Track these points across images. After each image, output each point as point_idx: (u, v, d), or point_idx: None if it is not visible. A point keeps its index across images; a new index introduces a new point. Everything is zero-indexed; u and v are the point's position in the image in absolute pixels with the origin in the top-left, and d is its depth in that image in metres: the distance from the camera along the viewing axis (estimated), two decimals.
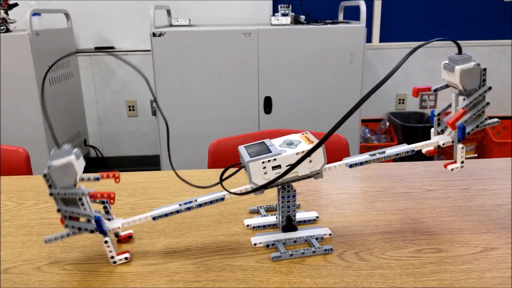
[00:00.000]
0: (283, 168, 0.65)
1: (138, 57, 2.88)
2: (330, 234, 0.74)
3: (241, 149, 0.69)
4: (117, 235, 0.73)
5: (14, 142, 2.29)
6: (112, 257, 0.67)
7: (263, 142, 0.70)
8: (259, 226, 0.77)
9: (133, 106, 2.99)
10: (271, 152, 0.66)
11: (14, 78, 2.25)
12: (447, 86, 0.73)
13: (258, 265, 0.66)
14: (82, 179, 0.66)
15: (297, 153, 0.65)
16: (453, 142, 0.73)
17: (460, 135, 0.71)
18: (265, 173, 0.65)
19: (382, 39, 2.97)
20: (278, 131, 1.36)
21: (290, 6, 2.41)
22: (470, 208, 0.84)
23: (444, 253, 0.68)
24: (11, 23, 2.35)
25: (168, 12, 2.66)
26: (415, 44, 2.97)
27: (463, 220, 0.79)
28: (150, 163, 3.09)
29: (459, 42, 0.68)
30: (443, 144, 0.73)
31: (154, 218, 0.68)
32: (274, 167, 0.65)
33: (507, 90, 3.11)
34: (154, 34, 2.20)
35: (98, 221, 0.64)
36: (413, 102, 3.11)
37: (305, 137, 0.70)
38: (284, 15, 2.37)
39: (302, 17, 2.45)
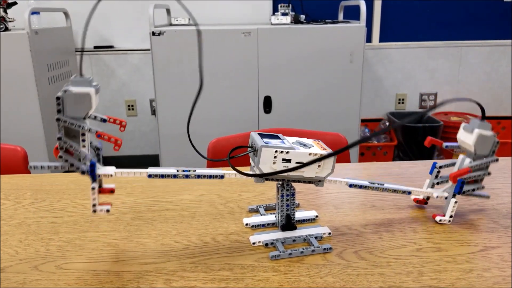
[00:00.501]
0: (292, 164, 0.65)
1: (137, 56, 2.88)
2: (330, 233, 0.73)
3: (254, 134, 0.69)
4: (99, 185, 0.68)
5: (12, 141, 2.29)
6: (94, 205, 0.63)
7: (277, 135, 0.70)
8: (258, 225, 0.77)
9: (132, 106, 2.99)
10: (285, 144, 0.65)
11: (13, 77, 2.25)
12: (458, 147, 0.78)
13: (257, 264, 0.66)
14: (89, 116, 0.62)
15: (310, 154, 0.65)
16: (446, 198, 0.77)
17: (457, 189, 0.75)
18: (274, 162, 0.65)
19: (382, 39, 2.97)
20: (279, 130, 1.36)
21: (290, 5, 2.41)
22: (470, 207, 0.84)
23: (444, 252, 0.68)
24: (10, 21, 2.34)
25: (168, 11, 2.66)
26: (415, 44, 2.97)
27: (463, 219, 0.79)
28: (149, 162, 3.08)
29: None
30: (437, 197, 0.78)
31: (149, 176, 0.66)
32: (284, 160, 0.65)
33: (506, 91, 3.11)
34: (153, 33, 2.19)
35: (92, 165, 0.61)
36: (413, 102, 3.11)
37: (318, 143, 0.71)
38: (284, 14, 2.36)
39: (302, 17, 2.45)
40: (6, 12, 2.33)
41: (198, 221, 0.80)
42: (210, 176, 0.68)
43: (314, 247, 0.68)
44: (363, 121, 3.04)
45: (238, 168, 1.04)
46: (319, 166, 0.67)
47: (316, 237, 0.72)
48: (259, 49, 2.25)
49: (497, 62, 3.03)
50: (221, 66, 2.27)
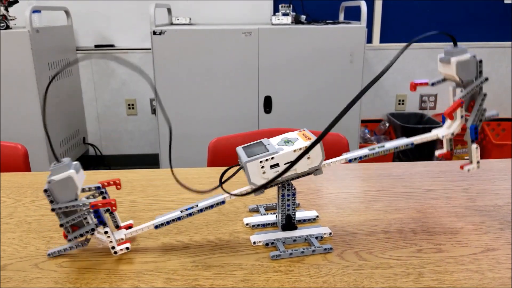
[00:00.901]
0: (282, 166, 0.65)
1: (138, 55, 2.88)
2: (330, 233, 0.73)
3: (239, 150, 0.69)
4: (117, 226, 0.72)
5: (12, 139, 2.29)
6: (113, 247, 0.67)
7: (261, 141, 0.69)
8: (258, 225, 0.76)
9: (132, 105, 2.99)
10: (268, 151, 0.65)
11: (14, 75, 2.24)
12: (444, 80, 0.74)
13: (257, 263, 0.66)
14: (83, 190, 0.67)
15: (294, 151, 0.65)
16: (452, 134, 0.73)
17: (473, 135, 0.71)
18: (264, 172, 0.65)
19: (382, 40, 2.97)
20: (278, 130, 1.36)
21: (291, 5, 2.41)
22: (470, 208, 0.84)
23: (445, 253, 0.68)
24: (11, 20, 2.34)
25: (169, 10, 2.66)
26: (415, 45, 2.97)
27: (463, 221, 0.79)
28: (149, 162, 3.08)
29: (458, 43, 0.69)
30: (442, 136, 0.73)
31: (156, 227, 0.68)
32: (272, 166, 0.65)
33: (506, 92, 3.11)
34: (154, 33, 2.19)
35: (96, 211, 0.64)
36: (413, 103, 3.11)
37: (303, 134, 0.69)
38: (284, 14, 2.36)
39: (303, 17, 2.45)
40: (7, 10, 2.33)
41: (198, 220, 0.80)
42: (212, 206, 0.69)
43: (315, 247, 0.68)
44: (363, 121, 3.04)
45: (239, 175, 1.04)
46: (308, 158, 0.66)
47: (316, 237, 0.72)
48: (260, 49, 2.25)
49: (497, 63, 3.04)
50: (221, 66, 2.27)
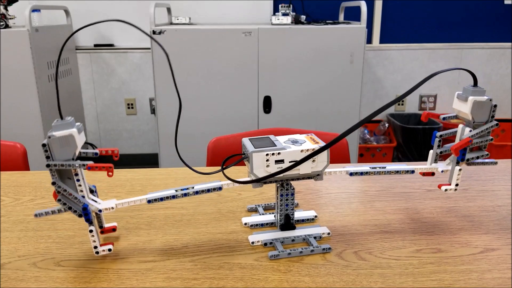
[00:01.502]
0: (286, 163, 0.65)
1: (137, 55, 2.88)
2: (329, 233, 0.73)
3: (245, 140, 0.69)
4: (101, 226, 0.72)
5: (11, 138, 2.28)
6: (95, 247, 0.65)
7: (268, 137, 0.70)
8: (257, 225, 0.76)
9: (132, 104, 2.98)
10: (276, 146, 0.65)
11: (13, 74, 2.24)
12: (456, 116, 0.76)
13: (256, 263, 0.65)
14: (80, 154, 0.64)
15: (301, 151, 0.65)
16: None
17: (460, 156, 0.73)
18: (268, 166, 0.65)
19: (382, 40, 2.97)
20: (278, 130, 1.36)
21: (291, 5, 2.41)
22: (470, 208, 0.84)
23: (444, 254, 0.68)
24: (10, 19, 2.34)
25: (168, 10, 2.66)
26: (415, 45, 2.97)
27: (463, 221, 0.79)
28: (148, 161, 3.08)
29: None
30: (442, 171, 0.75)
31: (149, 201, 0.67)
32: (277, 161, 0.65)
33: (506, 93, 3.11)
34: (154, 32, 2.19)
35: (85, 209, 0.62)
36: (413, 104, 3.11)
37: (310, 137, 0.70)
38: (284, 14, 2.36)
39: (303, 17, 2.44)
40: (6, 9, 2.33)
41: (197, 219, 0.80)
42: (208, 190, 0.68)
43: (313, 247, 0.68)
44: None
45: (238, 167, 1.04)
46: (313, 161, 0.66)
47: (315, 237, 0.71)
48: (260, 49, 2.25)
49: (497, 64, 3.04)
50: (221, 65, 2.27)
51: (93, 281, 0.61)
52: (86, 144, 2.99)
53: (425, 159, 2.82)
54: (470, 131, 0.72)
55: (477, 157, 0.74)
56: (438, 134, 0.76)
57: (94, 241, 0.65)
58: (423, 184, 0.96)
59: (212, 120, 2.35)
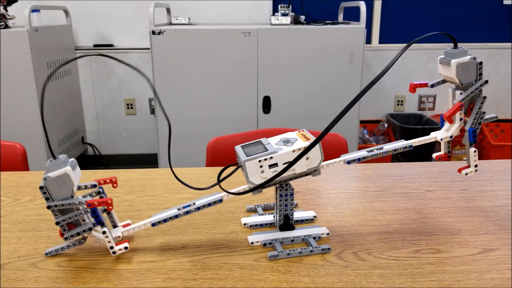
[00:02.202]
0: (280, 166, 0.65)
1: (137, 55, 2.88)
2: (328, 234, 0.73)
3: (238, 149, 0.69)
4: (114, 225, 0.72)
5: (11, 138, 2.28)
6: (112, 247, 0.66)
7: (260, 141, 0.69)
8: (256, 225, 0.76)
9: (131, 104, 2.98)
10: (267, 150, 0.65)
11: (13, 74, 2.24)
12: (444, 81, 0.74)
13: (255, 263, 0.65)
14: (79, 188, 0.66)
15: (293, 151, 0.65)
16: (451, 137, 0.73)
17: (471, 139, 0.71)
18: (262, 171, 0.65)
19: (381, 40, 2.97)
20: (277, 130, 1.36)
21: (290, 6, 2.41)
22: (469, 209, 0.84)
23: (443, 254, 0.68)
24: (10, 19, 2.34)
25: (168, 10, 2.66)
26: (414, 46, 2.97)
27: (462, 221, 0.79)
28: (148, 161, 3.08)
29: (458, 43, 0.68)
30: (441, 139, 0.73)
31: (153, 225, 0.68)
32: (271, 166, 0.65)
33: (506, 93, 3.11)
34: (153, 32, 2.19)
35: (94, 211, 0.63)
36: (412, 104, 3.11)
37: (302, 134, 0.69)
38: (284, 15, 2.36)
39: (302, 17, 2.45)
40: (6, 10, 2.33)
41: (197, 220, 0.80)
42: (210, 204, 0.68)
43: (313, 248, 0.68)
44: (362, 122, 3.04)
45: (237, 172, 1.04)
46: (307, 158, 0.66)
47: (314, 238, 0.72)
48: (259, 49, 2.25)
49: (497, 65, 3.04)
50: (220, 65, 2.27)
51: (92, 282, 0.61)
52: (86, 145, 2.99)
53: (424, 160, 2.82)
54: (461, 93, 0.70)
55: (479, 123, 0.71)
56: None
57: (109, 241, 0.66)
58: (422, 185, 0.96)
59: (211, 120, 2.35)
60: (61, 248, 0.67)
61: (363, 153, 0.70)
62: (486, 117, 0.72)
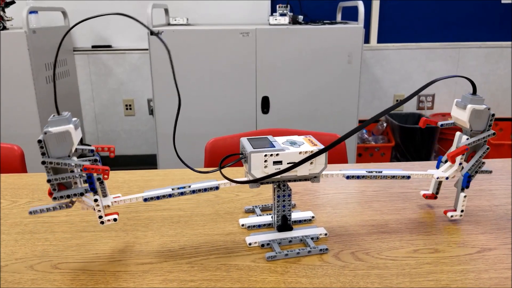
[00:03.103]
0: (284, 165, 0.65)
1: (135, 55, 2.87)
2: (326, 234, 0.73)
3: (244, 140, 0.69)
4: (105, 195, 0.70)
5: (9, 140, 2.28)
6: (101, 217, 0.65)
7: (267, 137, 0.70)
8: (254, 226, 0.76)
9: (130, 105, 2.98)
10: (274, 147, 0.65)
11: (11, 76, 2.24)
12: (453, 124, 0.76)
13: (253, 264, 0.65)
14: (76, 150, 0.64)
15: (300, 152, 0.65)
16: (447, 178, 0.77)
17: (465, 183, 0.74)
18: (265, 166, 0.65)
19: (380, 40, 2.97)
20: (277, 130, 1.36)
21: (288, 6, 2.41)
22: (467, 208, 0.84)
23: (441, 254, 0.68)
24: (7, 20, 2.34)
25: (166, 11, 2.65)
26: (413, 45, 2.98)
27: (460, 221, 0.79)
28: (147, 162, 3.08)
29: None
30: (437, 178, 0.77)
31: (145, 200, 0.67)
32: (275, 162, 0.65)
33: (504, 92, 3.11)
34: (151, 33, 2.18)
35: (90, 177, 0.61)
36: (411, 103, 3.11)
37: (308, 139, 0.70)
38: (282, 15, 2.36)
39: (300, 17, 2.44)
40: (4, 11, 2.33)
41: (195, 221, 0.80)
42: (205, 189, 0.68)
43: (310, 248, 0.68)
44: (361, 122, 3.04)
45: (235, 168, 1.04)
46: (311, 163, 0.66)
47: (312, 238, 0.72)
48: (257, 49, 2.25)
49: (495, 64, 3.04)
50: (219, 66, 2.27)
51: (90, 284, 0.61)
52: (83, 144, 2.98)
53: (423, 159, 2.82)
54: (467, 139, 0.72)
55: (476, 172, 0.75)
56: (444, 159, 0.77)
57: (99, 210, 0.64)
58: (420, 185, 0.96)
59: (210, 120, 2.35)
60: (46, 208, 0.63)
61: (362, 172, 0.73)
62: (483, 168, 0.76)
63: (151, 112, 3.00)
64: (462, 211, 0.76)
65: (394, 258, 0.67)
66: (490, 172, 0.78)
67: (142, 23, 0.59)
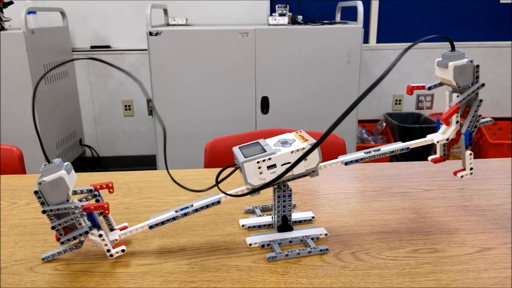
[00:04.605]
0: (278, 167, 0.65)
1: (134, 56, 2.87)
2: (326, 234, 0.73)
3: (236, 150, 0.68)
4: (111, 228, 0.72)
5: (8, 141, 2.28)
6: (109, 250, 0.66)
7: (258, 142, 0.69)
8: (254, 226, 0.76)
9: (129, 106, 2.98)
10: (265, 151, 0.65)
11: (9, 76, 2.24)
12: (441, 84, 0.74)
13: (254, 265, 0.65)
14: (75, 192, 0.66)
15: (291, 152, 0.65)
16: (447, 140, 0.73)
17: (467, 141, 0.71)
18: (261, 173, 0.64)
19: (379, 40, 2.97)
20: (275, 130, 1.36)
21: (288, 6, 2.41)
22: (467, 208, 0.84)
23: (441, 253, 0.68)
24: (6, 21, 2.33)
25: (165, 11, 2.65)
26: None
27: (459, 220, 0.79)
28: (146, 163, 3.07)
29: (455, 43, 0.69)
30: (438, 142, 0.73)
31: (150, 227, 0.68)
32: (269, 167, 0.65)
33: (503, 91, 3.12)
34: (150, 33, 2.19)
35: (90, 214, 0.63)
36: (410, 103, 3.11)
37: (299, 135, 0.69)
38: (281, 15, 2.36)
39: (300, 17, 2.45)
40: (2, 12, 2.32)
41: (195, 221, 0.80)
42: (208, 206, 0.68)
43: (311, 248, 0.68)
44: (360, 121, 3.04)
45: (235, 174, 1.03)
46: (305, 159, 0.66)
47: (312, 238, 0.71)
48: (257, 49, 2.25)
49: (494, 63, 3.04)
50: (218, 66, 2.27)
51: (90, 285, 0.61)
52: (84, 147, 2.98)
53: (422, 159, 2.82)
54: (458, 96, 0.70)
55: (475, 126, 0.72)
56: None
57: (106, 244, 0.65)
58: (420, 184, 0.96)
59: (209, 121, 2.35)
60: (57, 252, 0.67)
61: (360, 154, 0.71)
62: (482, 120, 0.73)
63: (150, 112, 2.99)
64: (471, 169, 0.73)
65: (394, 258, 0.67)
66: (492, 120, 0.74)
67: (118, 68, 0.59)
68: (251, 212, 0.83)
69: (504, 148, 2.76)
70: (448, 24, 2.97)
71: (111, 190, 0.70)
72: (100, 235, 0.64)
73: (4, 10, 2.36)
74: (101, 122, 3.01)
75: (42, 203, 0.60)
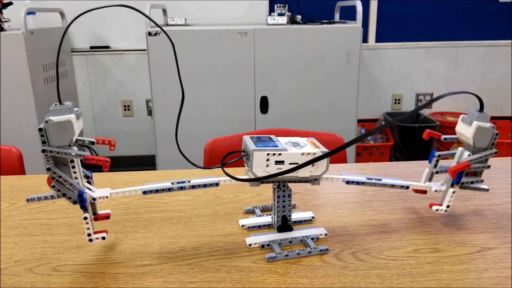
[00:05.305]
0: (286, 165, 0.65)
1: (133, 56, 2.87)
2: (326, 234, 0.73)
3: (246, 138, 0.68)
4: (94, 213, 0.70)
5: (7, 142, 2.27)
6: (89, 235, 0.64)
7: (270, 136, 0.70)
8: (254, 226, 0.76)
9: (128, 106, 2.98)
10: (277, 146, 0.65)
11: (9, 77, 2.23)
12: (456, 139, 0.77)
13: (253, 265, 0.65)
14: (77, 141, 0.63)
15: (302, 154, 0.65)
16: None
17: (456, 179, 0.73)
18: (267, 165, 0.64)
19: (378, 39, 2.97)
20: (275, 130, 1.36)
21: (287, 5, 2.41)
22: (467, 207, 0.84)
23: (442, 253, 0.68)
24: (5, 22, 2.33)
25: (164, 11, 2.65)
26: (411, 44, 2.98)
27: (460, 220, 0.79)
28: (145, 163, 3.07)
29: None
30: (435, 191, 0.76)
31: (144, 192, 0.66)
32: (277, 162, 0.64)
33: (502, 91, 3.12)
34: (149, 33, 2.18)
35: (81, 196, 0.62)
36: (409, 102, 3.11)
37: (311, 141, 0.70)
38: (280, 14, 2.36)
39: (299, 17, 2.44)
40: (1, 12, 2.32)
41: (194, 222, 0.79)
42: (205, 185, 0.68)
43: (311, 249, 0.68)
44: (359, 121, 3.04)
45: (235, 168, 1.03)
46: (313, 165, 0.66)
47: (312, 238, 0.71)
48: (256, 49, 2.25)
49: (493, 62, 3.04)
50: (217, 66, 2.27)
51: (89, 286, 0.61)
52: (83, 147, 2.98)
53: (422, 158, 2.82)
54: (469, 155, 0.72)
55: (472, 182, 0.75)
56: (437, 154, 0.77)
57: (88, 228, 0.64)
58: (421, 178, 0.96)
59: (209, 121, 2.35)
60: (44, 196, 0.63)
61: (362, 178, 0.73)
62: (480, 186, 0.75)
63: (149, 112, 2.99)
64: (448, 206, 0.74)
65: (394, 258, 0.67)
66: (487, 190, 0.77)
67: (145, 15, 0.59)
68: (251, 212, 0.83)
69: (504, 147, 2.76)
70: (447, 23, 2.97)
71: (112, 147, 0.68)
72: (85, 218, 0.63)
73: (4, 11, 2.35)
74: (100, 122, 3.00)
75: (43, 142, 0.58)
